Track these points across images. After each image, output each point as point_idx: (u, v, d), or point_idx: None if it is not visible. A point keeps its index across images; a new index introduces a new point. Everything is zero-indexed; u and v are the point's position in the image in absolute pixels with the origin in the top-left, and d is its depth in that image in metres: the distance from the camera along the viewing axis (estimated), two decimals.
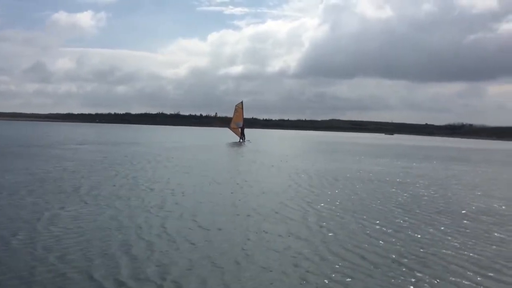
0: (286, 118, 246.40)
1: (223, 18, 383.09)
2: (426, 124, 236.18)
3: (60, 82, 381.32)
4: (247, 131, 54.13)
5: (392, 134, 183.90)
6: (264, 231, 9.08)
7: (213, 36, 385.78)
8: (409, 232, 9.42)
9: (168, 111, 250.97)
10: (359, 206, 12.26)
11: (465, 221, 10.81)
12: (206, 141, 57.03)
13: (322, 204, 12.28)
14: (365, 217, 10.80)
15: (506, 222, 10.93)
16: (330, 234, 9.01)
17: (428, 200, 13.74)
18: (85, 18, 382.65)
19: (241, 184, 15.84)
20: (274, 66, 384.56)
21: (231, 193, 13.87)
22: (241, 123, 52.39)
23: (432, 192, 15.50)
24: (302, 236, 8.79)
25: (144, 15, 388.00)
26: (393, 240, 8.76)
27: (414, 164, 28.68)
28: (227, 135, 56.99)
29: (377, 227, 9.82)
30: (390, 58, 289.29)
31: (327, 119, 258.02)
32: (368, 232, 9.32)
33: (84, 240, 7.90)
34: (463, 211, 12.12)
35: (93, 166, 19.54)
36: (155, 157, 25.56)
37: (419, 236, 9.15)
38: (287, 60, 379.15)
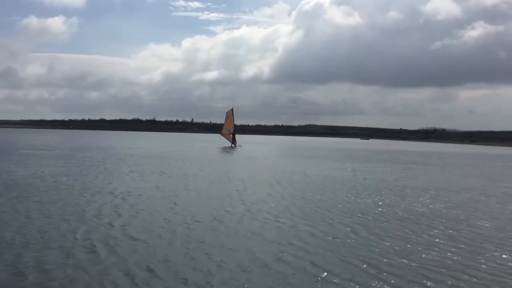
0: (262, 124, 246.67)
1: (197, 24, 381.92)
2: (401, 129, 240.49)
3: (31, 88, 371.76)
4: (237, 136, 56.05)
5: (368, 139, 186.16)
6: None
7: (186, 42, 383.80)
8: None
9: (143, 117, 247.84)
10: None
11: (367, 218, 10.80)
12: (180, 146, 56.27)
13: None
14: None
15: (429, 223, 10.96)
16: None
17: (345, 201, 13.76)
18: (56, 23, 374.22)
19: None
20: (248, 71, 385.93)
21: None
22: (232, 129, 55.18)
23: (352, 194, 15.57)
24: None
25: (116, 20, 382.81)
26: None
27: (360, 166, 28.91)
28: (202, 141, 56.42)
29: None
30: (361, 64, 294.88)
31: (303, 124, 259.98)
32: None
33: None
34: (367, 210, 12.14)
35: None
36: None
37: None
38: (261, 66, 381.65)
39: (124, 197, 13.37)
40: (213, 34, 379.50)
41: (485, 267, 7.55)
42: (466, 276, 7.04)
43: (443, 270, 7.29)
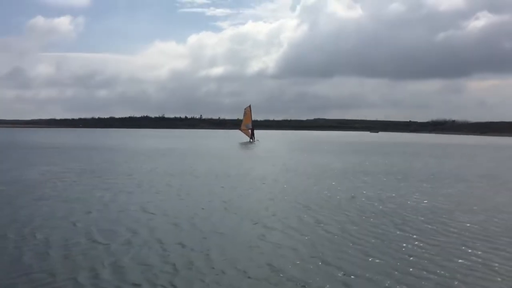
0: (271, 119, 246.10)
1: (204, 20, 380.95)
2: (410, 121, 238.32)
3: (40, 88, 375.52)
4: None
5: (377, 132, 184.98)
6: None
7: (192, 38, 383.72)
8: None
9: (152, 114, 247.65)
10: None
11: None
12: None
13: None
14: None
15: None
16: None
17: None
18: (63, 23, 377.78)
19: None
20: (254, 67, 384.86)
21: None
22: (250, 124, 58.32)
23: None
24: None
25: (121, 18, 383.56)
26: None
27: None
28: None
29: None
30: (366, 56, 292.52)
31: (312, 118, 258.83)
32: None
33: None
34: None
35: None
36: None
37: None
38: (267, 61, 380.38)
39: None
40: (219, 30, 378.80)
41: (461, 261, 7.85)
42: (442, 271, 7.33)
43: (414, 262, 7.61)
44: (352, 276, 6.86)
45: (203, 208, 12.05)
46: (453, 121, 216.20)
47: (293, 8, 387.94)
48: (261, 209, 12.09)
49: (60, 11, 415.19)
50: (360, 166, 25.34)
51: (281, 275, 6.86)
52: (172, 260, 7.50)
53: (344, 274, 6.93)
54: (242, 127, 60.32)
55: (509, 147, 63.07)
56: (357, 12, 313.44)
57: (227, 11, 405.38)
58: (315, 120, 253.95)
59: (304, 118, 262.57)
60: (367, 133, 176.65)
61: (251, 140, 57.14)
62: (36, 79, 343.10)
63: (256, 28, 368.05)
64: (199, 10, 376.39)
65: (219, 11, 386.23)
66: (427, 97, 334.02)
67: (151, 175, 19.55)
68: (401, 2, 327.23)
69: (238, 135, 61.74)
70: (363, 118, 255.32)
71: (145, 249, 8.15)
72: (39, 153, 33.54)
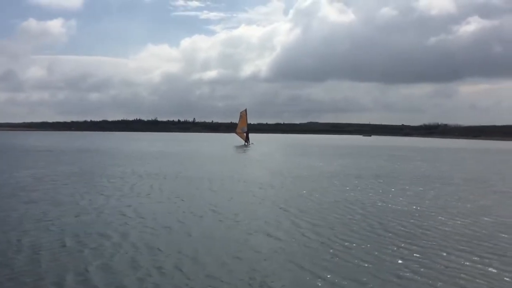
0: (264, 122, 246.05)
1: (197, 23, 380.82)
2: (403, 125, 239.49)
3: (32, 90, 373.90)
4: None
5: (370, 136, 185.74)
6: None
7: (185, 42, 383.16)
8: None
9: (145, 117, 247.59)
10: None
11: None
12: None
13: None
14: None
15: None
16: None
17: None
18: (55, 25, 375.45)
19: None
20: (247, 70, 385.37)
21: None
22: (245, 128, 59.20)
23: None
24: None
25: (114, 22, 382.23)
26: None
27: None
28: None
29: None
30: (359, 60, 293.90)
31: (305, 122, 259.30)
32: None
33: None
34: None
35: None
36: None
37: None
38: (259, 64, 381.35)
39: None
40: (212, 33, 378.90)
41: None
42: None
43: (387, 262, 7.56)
44: (327, 282, 6.78)
45: (184, 212, 11.96)
46: (445, 125, 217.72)
47: (286, 12, 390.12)
48: (242, 212, 12.02)
49: (52, 14, 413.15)
50: (349, 169, 25.38)
51: (250, 279, 6.78)
52: (143, 264, 7.42)
53: (320, 280, 6.84)
54: (238, 130, 61.15)
55: (500, 151, 63.52)
56: (349, 17, 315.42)
57: (221, 14, 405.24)
58: (308, 123, 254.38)
59: (297, 121, 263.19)
60: (360, 136, 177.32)
61: (245, 143, 58.07)
62: (28, 81, 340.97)
63: (249, 32, 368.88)
64: (193, 13, 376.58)
65: (212, 15, 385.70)
66: (419, 101, 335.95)
67: (141, 178, 19.40)
68: (392, 6, 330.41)
69: (231, 139, 62.05)
70: (356, 121, 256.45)
71: (118, 253, 8.04)
72: (31, 156, 33.23)
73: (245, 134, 59.34)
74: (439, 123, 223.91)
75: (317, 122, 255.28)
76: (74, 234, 9.31)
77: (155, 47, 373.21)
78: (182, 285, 6.59)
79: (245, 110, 59.93)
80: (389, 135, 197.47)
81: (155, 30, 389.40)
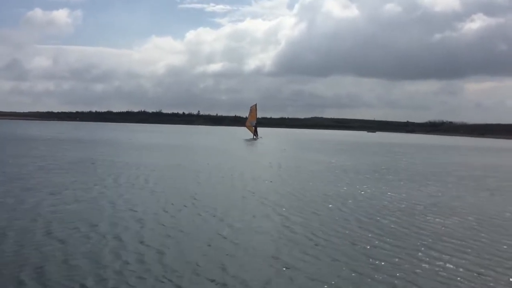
0: (268, 116, 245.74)
1: (203, 16, 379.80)
2: (407, 121, 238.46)
3: (37, 80, 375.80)
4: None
5: (374, 132, 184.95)
6: None
7: (190, 34, 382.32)
8: None
9: (149, 109, 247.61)
10: None
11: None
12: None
13: None
14: None
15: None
16: None
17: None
18: (61, 16, 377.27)
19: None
20: (251, 64, 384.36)
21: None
22: (254, 122, 60.56)
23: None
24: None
25: (119, 13, 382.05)
26: None
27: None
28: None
29: None
30: (363, 56, 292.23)
31: (309, 116, 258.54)
32: None
33: None
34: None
35: None
36: None
37: None
38: (264, 58, 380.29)
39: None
40: (217, 26, 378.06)
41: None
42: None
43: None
44: (311, 279, 6.76)
45: (172, 204, 11.97)
46: (450, 123, 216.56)
47: (291, 7, 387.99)
48: (231, 206, 11.99)
49: (58, 4, 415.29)
50: (348, 165, 25.28)
51: (232, 276, 6.77)
52: (124, 256, 7.44)
53: (305, 277, 6.81)
54: (247, 123, 62.99)
55: (505, 150, 63.06)
56: (353, 12, 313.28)
57: (227, 7, 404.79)
58: (313, 118, 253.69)
59: (300, 116, 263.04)
60: (364, 132, 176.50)
61: (254, 137, 59.45)
62: (33, 71, 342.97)
63: (254, 26, 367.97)
64: (199, 6, 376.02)
65: (219, 8, 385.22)
66: (424, 98, 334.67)
67: (140, 169, 19.46)
68: (397, 2, 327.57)
69: (236, 132, 62.42)
70: (361, 117, 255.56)
71: (101, 243, 8.07)
72: (37, 145, 33.37)
73: (253, 128, 60.66)
74: (444, 121, 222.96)
75: (321, 117, 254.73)
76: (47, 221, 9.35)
77: (159, 39, 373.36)
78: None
79: (255, 104, 60.88)
80: (394, 132, 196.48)
81: (160, 21, 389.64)
